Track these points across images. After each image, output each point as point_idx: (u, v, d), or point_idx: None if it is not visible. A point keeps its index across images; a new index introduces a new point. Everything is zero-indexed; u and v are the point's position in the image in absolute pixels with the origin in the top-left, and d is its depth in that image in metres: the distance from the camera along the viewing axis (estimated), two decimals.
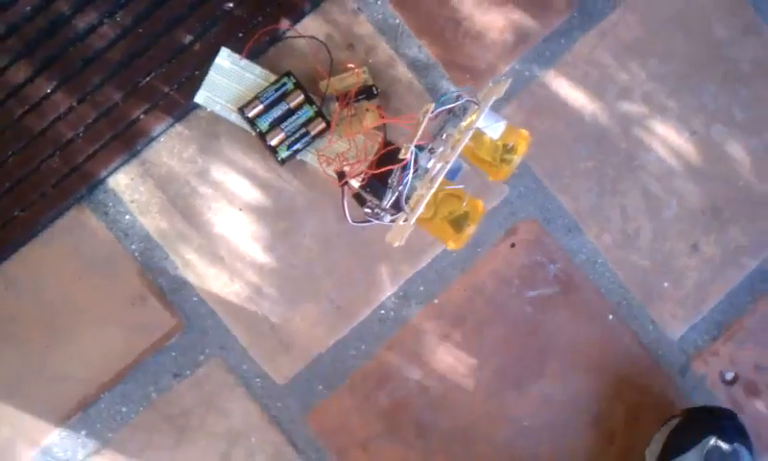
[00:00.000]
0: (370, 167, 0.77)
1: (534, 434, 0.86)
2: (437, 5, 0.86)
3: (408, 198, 0.72)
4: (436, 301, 0.86)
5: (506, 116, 0.82)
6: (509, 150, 0.73)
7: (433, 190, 0.69)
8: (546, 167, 0.86)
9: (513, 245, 0.86)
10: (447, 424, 0.85)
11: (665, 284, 0.87)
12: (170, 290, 0.84)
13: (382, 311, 0.86)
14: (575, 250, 0.87)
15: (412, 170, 0.72)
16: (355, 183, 0.79)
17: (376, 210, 0.75)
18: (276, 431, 0.85)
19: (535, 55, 0.86)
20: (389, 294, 0.86)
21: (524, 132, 0.74)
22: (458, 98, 0.72)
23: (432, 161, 0.72)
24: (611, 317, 0.87)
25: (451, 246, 0.72)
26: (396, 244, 0.69)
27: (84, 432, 0.84)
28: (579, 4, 0.87)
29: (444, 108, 0.73)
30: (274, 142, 0.81)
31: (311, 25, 0.85)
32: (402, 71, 0.86)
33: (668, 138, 0.87)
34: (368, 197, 0.78)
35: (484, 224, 0.85)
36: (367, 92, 0.83)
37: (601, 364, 0.86)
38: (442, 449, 0.85)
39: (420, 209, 0.69)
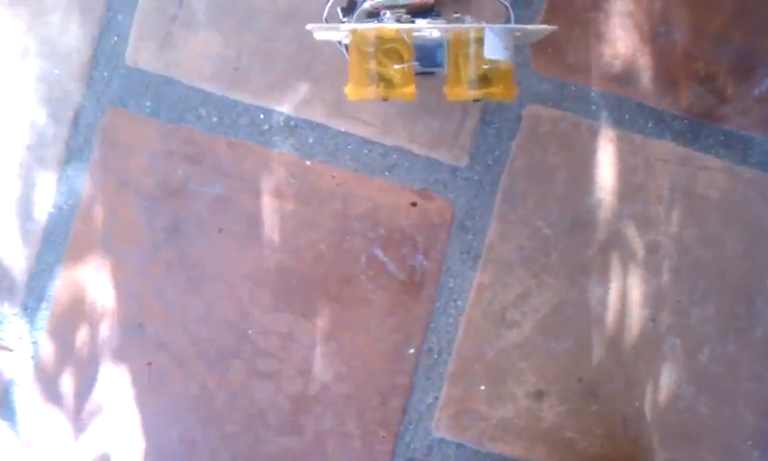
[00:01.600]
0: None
1: (243, 339, 0.75)
2: None
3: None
4: (308, 163, 0.74)
5: (536, 115, 0.73)
6: (485, 78, 0.63)
7: (386, 26, 0.62)
8: (512, 189, 0.74)
9: (414, 204, 0.75)
10: (195, 254, 0.74)
11: (482, 387, 0.75)
12: None
13: (261, 115, 0.74)
14: (452, 273, 0.75)
15: None
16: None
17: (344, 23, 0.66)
18: (82, 83, 0.75)
19: (616, 103, 0.74)
20: (284, 111, 0.74)
21: (515, 88, 0.64)
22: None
23: (425, 21, 0.64)
24: (412, 351, 0.75)
25: (347, 91, 0.63)
26: (308, 27, 0.62)
27: None
28: (697, 117, 0.75)
29: None
30: None
31: None
32: None
33: (628, 295, 0.75)
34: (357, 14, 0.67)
35: (415, 163, 0.74)
36: None
37: (362, 360, 0.75)
38: (167, 262, 0.75)
39: (358, 26, 0.62)
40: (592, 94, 0.74)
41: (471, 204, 0.75)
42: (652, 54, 0.74)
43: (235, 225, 0.74)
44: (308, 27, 0.62)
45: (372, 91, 0.62)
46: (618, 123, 0.74)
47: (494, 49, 0.62)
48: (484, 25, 0.61)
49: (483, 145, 0.74)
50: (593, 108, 0.74)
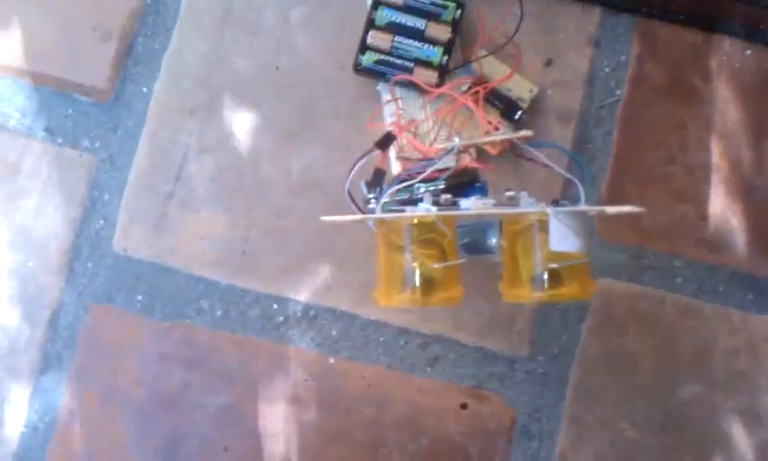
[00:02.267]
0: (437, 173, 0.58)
1: None
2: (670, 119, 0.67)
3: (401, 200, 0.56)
4: (331, 360, 0.65)
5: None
6: (554, 278, 0.52)
7: (421, 214, 0.52)
8: (585, 383, 0.65)
9: (464, 406, 0.65)
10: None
11: None
12: (136, 59, 0.68)
13: (275, 306, 0.66)
14: None
15: (432, 169, 0.55)
16: (395, 165, 0.60)
17: (372, 200, 0.57)
18: (60, 277, 0.67)
19: (707, 274, 0.66)
20: (301, 299, 0.65)
21: (592, 283, 0.52)
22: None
23: (469, 200, 0.54)
24: None
25: (377, 297, 0.53)
26: (323, 219, 0.54)
27: None
28: None
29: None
30: (370, 40, 0.64)
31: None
32: (562, 134, 0.66)
33: None
34: (386, 188, 0.57)
35: (463, 356, 0.66)
36: (511, 106, 0.64)
37: None
38: None
39: (386, 217, 0.53)
40: (677, 264, 0.67)
41: (536, 403, 0.65)
42: (746, 212, 0.67)
43: (244, 441, 0.65)
44: (323, 219, 0.54)
45: (406, 298, 0.52)
46: (711, 297, 0.67)
47: (563, 239, 0.51)
48: (548, 210, 0.50)
49: (546, 331, 0.66)
50: (679, 280, 0.66)
